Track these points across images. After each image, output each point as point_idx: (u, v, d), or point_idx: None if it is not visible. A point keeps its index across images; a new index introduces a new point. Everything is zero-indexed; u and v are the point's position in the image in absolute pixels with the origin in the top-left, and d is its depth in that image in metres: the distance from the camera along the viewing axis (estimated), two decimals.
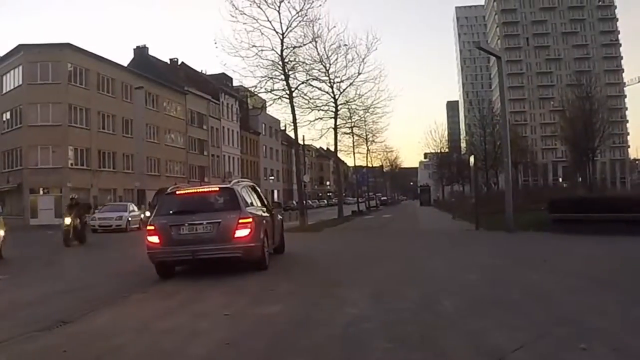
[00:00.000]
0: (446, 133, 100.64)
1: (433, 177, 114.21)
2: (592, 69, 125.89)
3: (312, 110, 41.52)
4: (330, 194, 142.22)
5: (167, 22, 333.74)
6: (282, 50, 34.66)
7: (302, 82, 38.20)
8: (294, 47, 35.72)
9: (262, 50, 34.54)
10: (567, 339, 6.21)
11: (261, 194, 16.86)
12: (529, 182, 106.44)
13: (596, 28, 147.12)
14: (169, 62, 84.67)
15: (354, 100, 44.45)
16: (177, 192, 13.98)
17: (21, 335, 7.41)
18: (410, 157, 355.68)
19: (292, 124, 37.91)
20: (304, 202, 40.85)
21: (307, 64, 37.82)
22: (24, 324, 8.07)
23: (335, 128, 45.51)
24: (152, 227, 12.66)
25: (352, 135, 57.05)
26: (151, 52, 79.30)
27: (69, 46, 55.40)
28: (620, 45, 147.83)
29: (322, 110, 42.61)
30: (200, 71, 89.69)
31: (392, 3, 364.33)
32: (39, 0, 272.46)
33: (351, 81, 41.49)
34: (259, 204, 15.16)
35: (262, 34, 34.56)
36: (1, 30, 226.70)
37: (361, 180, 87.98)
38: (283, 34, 34.44)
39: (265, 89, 36.19)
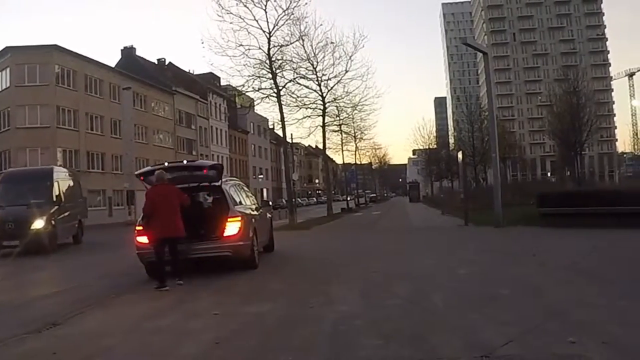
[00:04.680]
0: (434, 129, 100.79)
1: (422, 174, 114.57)
2: (579, 64, 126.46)
3: (300, 108, 41.58)
4: (320, 191, 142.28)
5: (154, 23, 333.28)
6: (269, 49, 34.64)
7: (290, 81, 38.32)
8: (281, 46, 35.74)
9: (249, 49, 34.54)
10: (556, 333, 6.25)
11: (249, 193, 16.88)
12: (517, 177, 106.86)
13: (582, 23, 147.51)
14: (156, 62, 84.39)
15: (342, 98, 44.51)
16: None
17: (10, 338, 7.36)
18: (399, 154, 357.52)
19: (280, 123, 37.93)
20: (293, 200, 40.84)
21: (294, 62, 37.89)
22: (13, 327, 8.02)
23: (324, 126, 45.59)
24: (141, 227, 12.62)
25: (341, 133, 57.29)
26: (138, 53, 78.99)
27: (56, 48, 55.14)
28: (607, 39, 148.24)
29: (310, 108, 42.70)
30: (187, 71, 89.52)
31: (379, 0, 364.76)
32: (25, 2, 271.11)
33: (339, 79, 41.57)
34: (248, 203, 15.17)
35: (249, 33, 34.60)
36: None
37: (350, 177, 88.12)
38: (270, 32, 34.43)
39: (253, 87, 36.21)
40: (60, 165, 53.82)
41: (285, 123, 38.14)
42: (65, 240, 24.52)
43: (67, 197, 25.31)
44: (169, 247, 11.67)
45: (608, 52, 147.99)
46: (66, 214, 24.71)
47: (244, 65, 35.22)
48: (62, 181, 25.58)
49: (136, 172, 13.62)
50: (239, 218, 12.76)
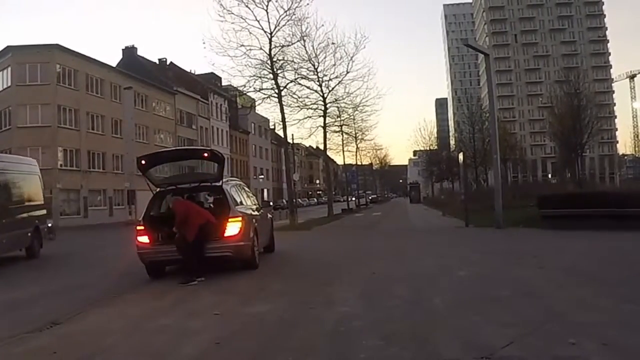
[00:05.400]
0: (435, 130, 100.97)
1: (423, 175, 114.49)
2: (580, 65, 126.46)
3: (301, 109, 41.62)
4: (320, 192, 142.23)
5: (155, 22, 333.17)
6: (270, 50, 34.62)
7: (291, 81, 38.31)
8: (282, 46, 35.73)
9: (250, 49, 34.54)
10: (557, 334, 6.25)
11: (250, 193, 16.86)
12: (518, 179, 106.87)
13: (584, 24, 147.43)
14: (157, 62, 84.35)
15: (343, 99, 44.60)
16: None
17: (11, 337, 7.38)
18: (400, 155, 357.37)
19: (281, 123, 37.95)
20: (294, 200, 40.83)
21: (295, 62, 37.87)
22: (14, 326, 8.04)
23: (325, 126, 45.67)
24: (142, 227, 12.62)
25: (342, 134, 57.31)
26: (140, 53, 78.91)
27: (57, 47, 55.17)
28: (608, 41, 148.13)
29: (311, 108, 42.75)
30: (189, 71, 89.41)
31: (380, 1, 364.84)
32: (27, 1, 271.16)
33: (340, 79, 41.63)
34: (249, 203, 15.16)
35: (251, 33, 34.52)
36: None
37: (351, 178, 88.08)
38: (271, 33, 34.42)
39: (254, 88, 36.26)
40: (61, 165, 54.40)
41: (286, 123, 38.24)
42: (10, 254, 18.79)
43: (12, 196, 19.06)
44: (200, 233, 12.01)
45: (609, 54, 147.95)
46: (10, 219, 18.46)
47: (245, 65, 35.27)
48: (3, 175, 18.74)
49: (139, 157, 13.45)
50: (240, 218, 12.76)
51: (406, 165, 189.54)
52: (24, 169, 20.74)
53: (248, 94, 40.85)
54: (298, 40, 36.51)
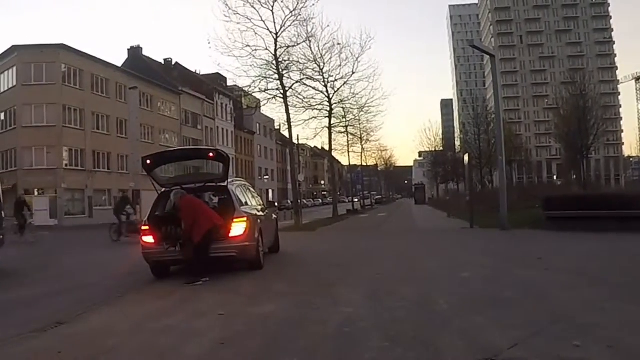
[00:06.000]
0: (440, 131, 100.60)
1: (428, 176, 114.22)
2: (586, 67, 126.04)
3: (307, 109, 41.56)
4: (325, 193, 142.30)
5: (161, 22, 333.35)
6: (275, 50, 34.58)
7: (296, 82, 38.20)
8: (288, 47, 35.67)
9: (255, 49, 34.48)
10: (562, 336, 6.24)
11: (255, 194, 16.86)
12: (523, 180, 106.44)
13: (590, 26, 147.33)
14: (163, 62, 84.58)
15: (348, 100, 44.63)
16: None
17: (16, 337, 7.39)
18: (405, 156, 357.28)
19: (287, 124, 37.91)
20: (299, 201, 40.82)
21: (301, 63, 37.80)
22: (19, 325, 8.04)
23: (330, 127, 45.56)
24: (147, 227, 12.62)
25: (347, 134, 57.35)
26: (145, 53, 79.26)
27: (63, 47, 55.35)
28: (614, 43, 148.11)
29: (317, 109, 42.66)
30: (194, 71, 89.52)
31: (386, 2, 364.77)
32: (32, 0, 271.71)
33: (345, 80, 41.60)
34: (254, 204, 15.16)
35: (256, 33, 34.52)
36: None
37: (356, 179, 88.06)
38: (277, 33, 34.37)
39: (260, 88, 36.18)
40: (66, 164, 54.46)
41: (292, 124, 38.15)
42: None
43: None
44: (207, 236, 12.00)
45: (615, 55, 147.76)
46: None
47: (251, 65, 35.31)
48: None
49: (144, 156, 13.39)
50: (245, 219, 12.75)
51: (411, 166, 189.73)
52: None
53: (253, 94, 40.85)
54: (304, 41, 36.51)
